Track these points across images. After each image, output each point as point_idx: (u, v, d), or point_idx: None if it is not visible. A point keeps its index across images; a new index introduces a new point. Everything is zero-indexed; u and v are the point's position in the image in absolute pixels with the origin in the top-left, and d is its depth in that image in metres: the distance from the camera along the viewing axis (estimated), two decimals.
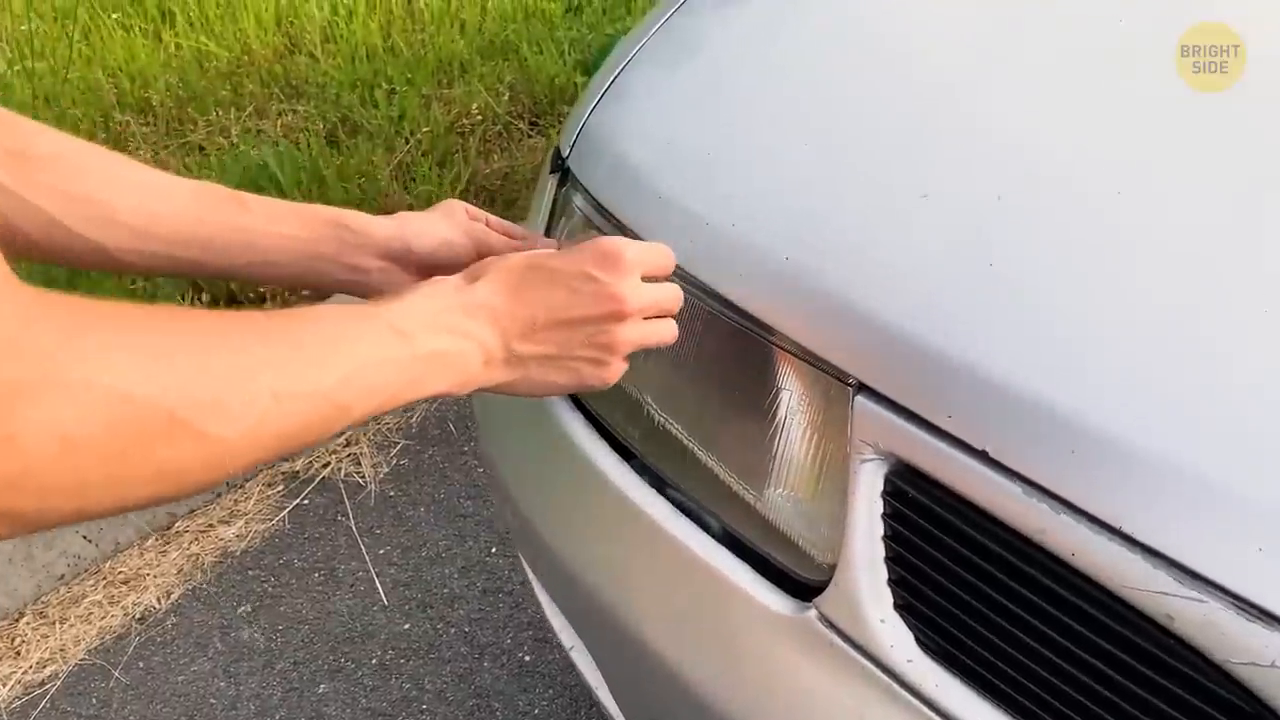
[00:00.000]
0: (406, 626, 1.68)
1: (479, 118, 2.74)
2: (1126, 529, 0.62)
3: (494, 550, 1.79)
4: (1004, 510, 0.67)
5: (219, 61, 3.00)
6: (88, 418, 0.43)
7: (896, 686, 0.72)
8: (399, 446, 2.00)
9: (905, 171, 0.82)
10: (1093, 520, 0.63)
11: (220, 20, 3.15)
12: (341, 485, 1.93)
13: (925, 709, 0.71)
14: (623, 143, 0.99)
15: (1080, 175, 0.78)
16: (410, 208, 2.38)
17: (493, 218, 0.92)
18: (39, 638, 1.67)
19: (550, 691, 1.55)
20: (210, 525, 1.85)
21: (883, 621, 0.73)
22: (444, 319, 0.64)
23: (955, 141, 0.84)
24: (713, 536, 0.85)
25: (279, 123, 2.72)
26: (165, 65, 2.96)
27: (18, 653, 1.65)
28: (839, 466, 0.77)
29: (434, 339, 0.63)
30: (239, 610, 1.72)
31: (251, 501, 1.89)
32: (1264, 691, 0.58)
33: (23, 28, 2.84)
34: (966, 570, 0.70)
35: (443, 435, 2.02)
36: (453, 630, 1.66)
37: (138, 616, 1.71)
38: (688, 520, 0.87)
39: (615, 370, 0.72)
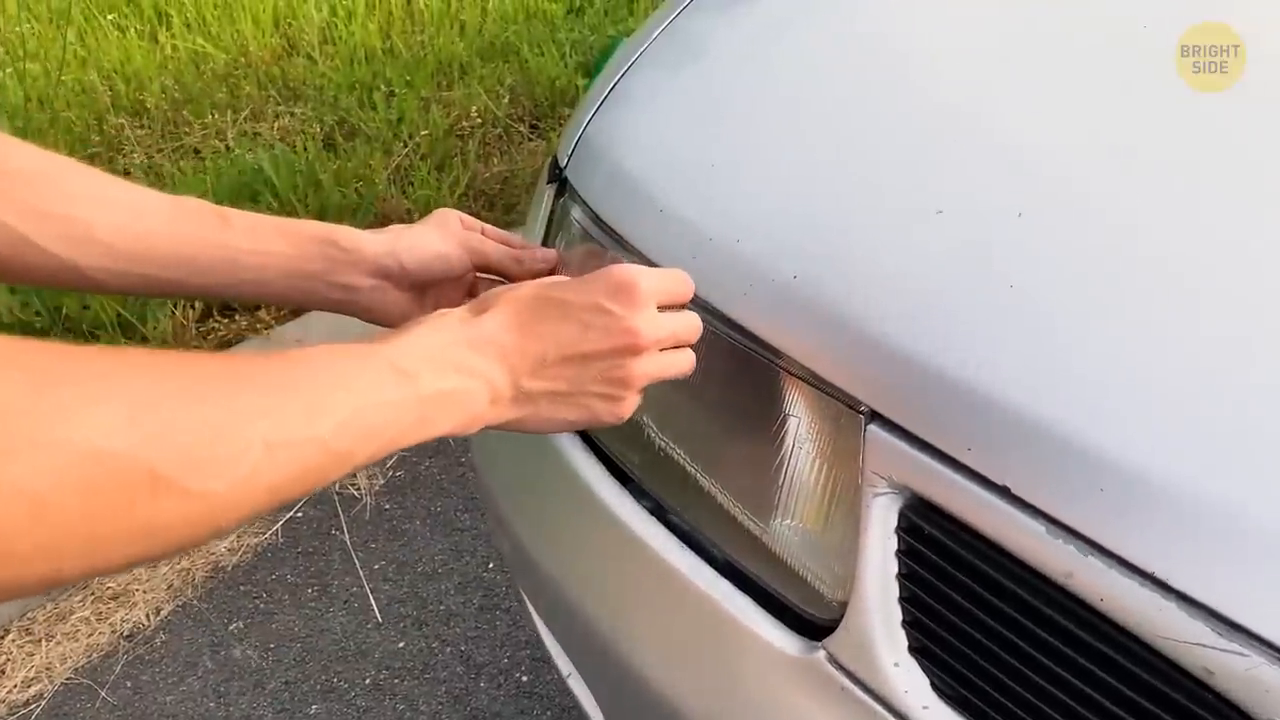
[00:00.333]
0: (401, 645, 1.64)
1: (478, 120, 2.69)
2: (1161, 574, 0.58)
3: (491, 565, 1.75)
4: (1027, 551, 0.63)
5: (215, 63, 2.96)
6: (61, 478, 0.40)
7: None
8: (395, 458, 1.96)
9: (919, 185, 0.78)
10: (1124, 564, 0.59)
11: (217, 21, 3.11)
12: (336, 498, 1.89)
13: None
14: (622, 152, 0.95)
15: (1103, 190, 0.74)
16: (408, 212, 2.35)
17: (488, 227, 0.88)
18: (24, 655, 1.63)
19: (548, 714, 1.51)
20: None
21: (896, 665, 0.69)
22: (449, 356, 0.60)
23: (969, 153, 0.80)
24: (716, 569, 0.80)
25: (276, 125, 2.68)
26: (161, 67, 2.92)
27: (2, 671, 1.61)
28: (850, 499, 0.73)
29: (438, 378, 0.59)
30: (230, 627, 1.68)
31: None
32: None
33: (16, 29, 2.80)
34: (986, 613, 0.65)
35: (439, 447, 1.98)
36: (448, 649, 1.62)
37: (126, 634, 1.67)
38: (690, 552, 0.82)
39: (629, 406, 0.68)
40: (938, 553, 0.67)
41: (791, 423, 0.76)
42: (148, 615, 1.69)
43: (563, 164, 1.01)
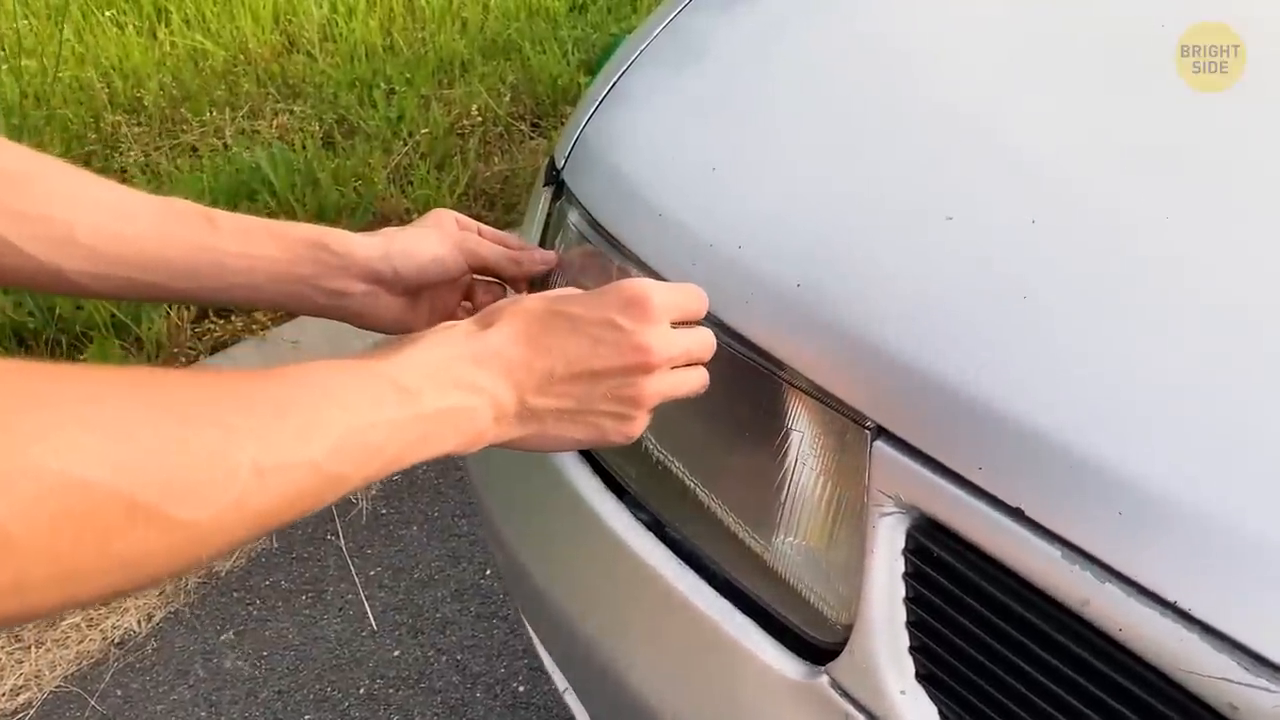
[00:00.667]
0: (396, 653, 1.61)
1: (479, 119, 2.67)
2: (1184, 605, 0.55)
3: (488, 572, 1.72)
4: (1041, 576, 0.60)
5: (214, 60, 2.93)
6: (31, 510, 0.37)
7: None
8: None
9: (927, 190, 0.75)
10: (1144, 592, 0.56)
11: (216, 18, 3.08)
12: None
13: None
14: (621, 154, 0.92)
15: (1115, 196, 0.71)
16: (407, 212, 2.32)
17: (484, 228, 0.85)
18: (13, 663, 1.60)
19: None
20: None
21: (903, 693, 0.66)
22: (452, 371, 0.57)
23: (979, 157, 0.77)
24: (716, 588, 0.77)
25: (274, 123, 2.65)
26: (159, 64, 2.90)
27: None
28: (855, 517, 0.70)
29: (441, 394, 0.56)
30: (222, 635, 1.65)
31: None
32: None
33: (12, 25, 2.78)
34: (997, 640, 0.62)
35: None
36: (444, 658, 1.59)
37: (117, 641, 1.64)
38: (689, 569, 0.79)
39: (639, 425, 0.65)
40: (947, 576, 0.64)
41: (794, 437, 0.73)
42: (139, 622, 1.67)
43: (560, 166, 0.98)
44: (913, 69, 0.87)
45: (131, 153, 2.51)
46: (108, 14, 3.07)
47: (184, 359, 1.95)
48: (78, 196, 0.68)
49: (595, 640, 0.87)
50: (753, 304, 0.74)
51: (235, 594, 1.71)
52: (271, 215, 2.26)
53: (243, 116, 2.68)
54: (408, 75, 2.83)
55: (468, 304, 0.86)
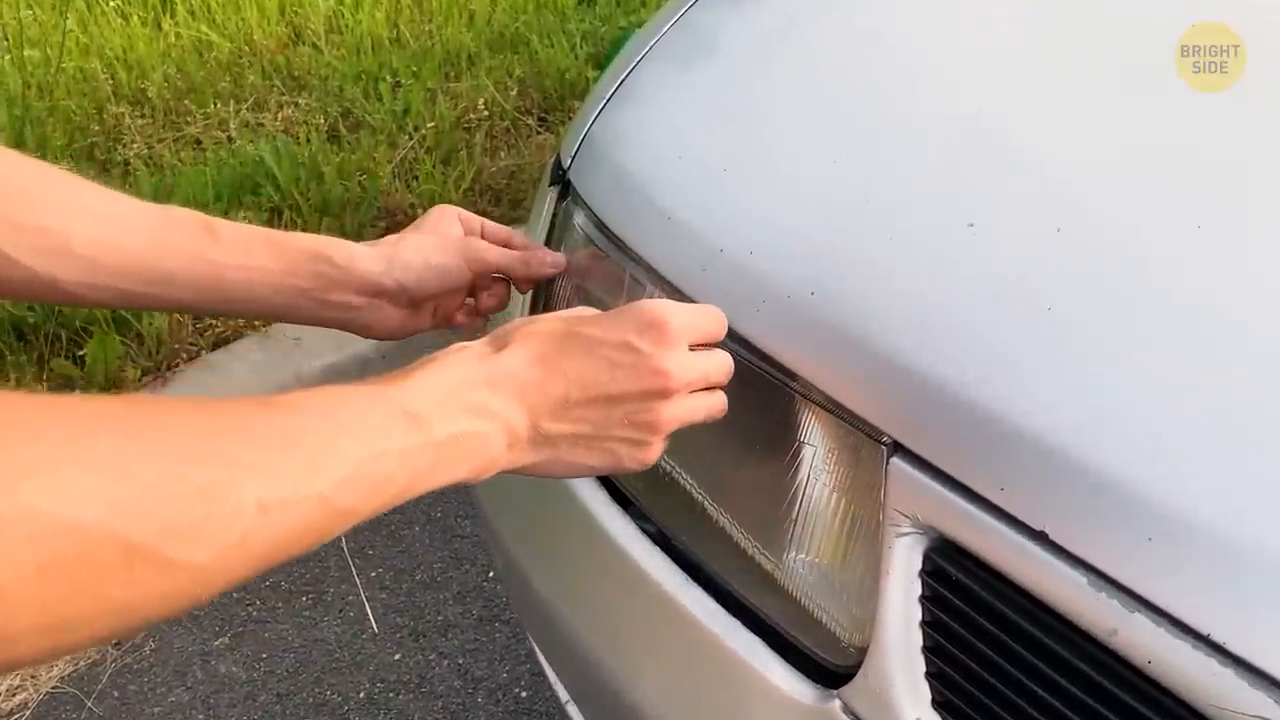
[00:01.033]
0: (397, 657, 1.59)
1: (486, 113, 2.64)
2: (1217, 637, 0.52)
3: (491, 574, 1.70)
4: (1066, 603, 0.57)
5: (219, 52, 2.91)
6: (19, 555, 0.35)
7: None
8: None
9: (947, 195, 0.72)
10: (1174, 623, 0.53)
11: (222, 9, 3.05)
12: None
13: None
14: (628, 154, 0.89)
15: (1141, 203, 0.68)
16: (412, 207, 2.29)
17: (489, 224, 0.83)
18: None
19: None
20: None
21: None
22: (464, 396, 0.55)
23: (1001, 161, 0.74)
24: (724, 605, 0.75)
25: (279, 116, 2.63)
26: (164, 55, 2.87)
27: None
28: (870, 536, 0.67)
29: (452, 420, 0.54)
30: (221, 637, 1.63)
31: None
32: None
33: (16, 15, 2.75)
34: (1018, 669, 0.59)
35: None
36: (446, 662, 1.57)
37: (114, 641, 1.62)
38: (696, 585, 0.77)
39: (656, 451, 0.63)
40: (966, 601, 0.61)
41: (807, 451, 0.70)
42: None
43: (566, 165, 0.95)
44: (929, 69, 0.84)
45: (135, 145, 2.48)
46: (112, 4, 3.04)
47: (185, 355, 1.93)
48: (74, 207, 0.66)
49: (598, 654, 0.85)
50: (764, 312, 0.72)
51: (234, 595, 1.69)
52: (275, 209, 2.24)
53: (247, 109, 2.65)
54: (414, 68, 2.81)
55: (471, 301, 0.84)
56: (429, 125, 2.54)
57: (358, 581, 1.70)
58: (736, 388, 0.72)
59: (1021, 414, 0.60)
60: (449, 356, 0.58)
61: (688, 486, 0.79)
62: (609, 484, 0.85)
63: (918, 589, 0.64)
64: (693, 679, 0.76)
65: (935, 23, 0.90)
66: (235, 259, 0.70)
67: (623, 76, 0.97)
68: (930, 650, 0.63)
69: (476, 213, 0.84)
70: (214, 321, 1.99)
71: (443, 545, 1.76)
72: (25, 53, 2.67)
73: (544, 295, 0.93)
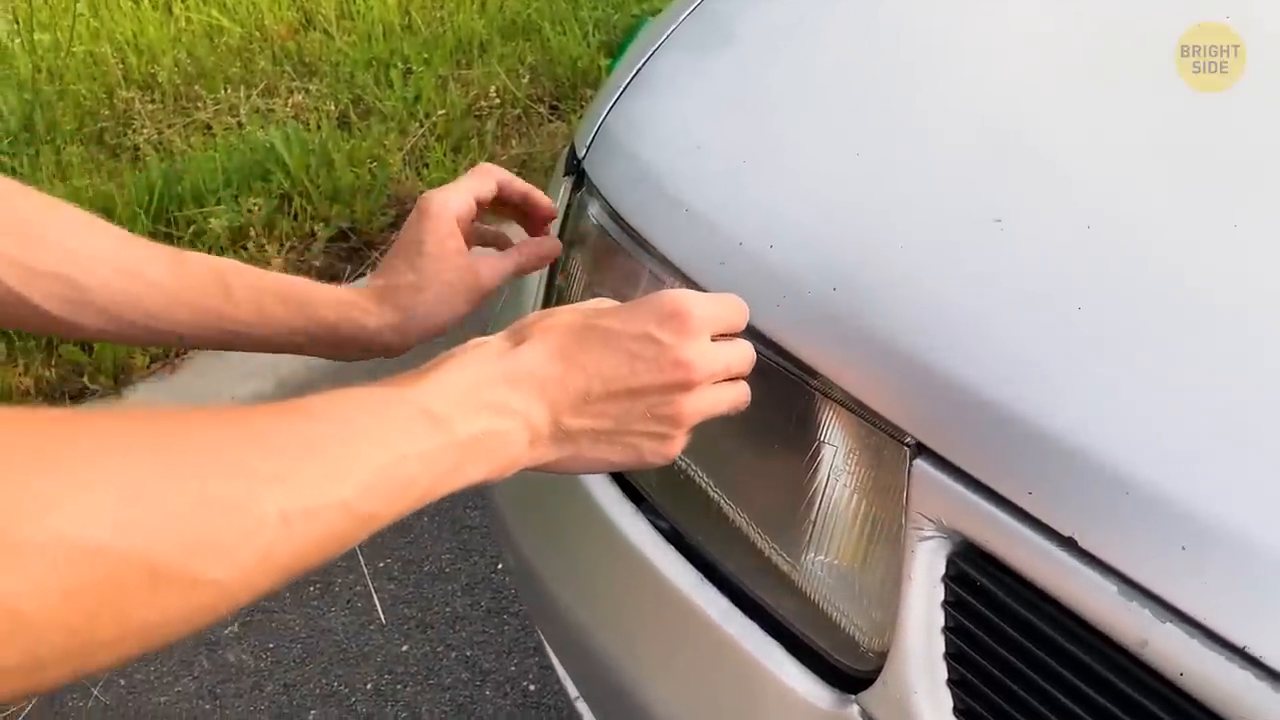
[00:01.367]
0: (405, 648, 1.58)
1: (497, 101, 2.62)
2: (1254, 650, 0.50)
3: (500, 566, 1.69)
4: (1095, 612, 0.55)
5: (230, 37, 2.89)
6: (44, 584, 0.35)
7: None
8: None
9: (974, 190, 0.70)
10: (1208, 634, 0.52)
11: None
12: None
13: None
14: (645, 145, 0.87)
15: (1179, 202, 0.67)
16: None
17: (505, 184, 0.81)
18: None
19: None
20: None
21: None
22: (483, 394, 0.54)
23: (1030, 156, 0.72)
24: (739, 606, 0.73)
25: (289, 102, 2.61)
26: (174, 40, 2.86)
27: None
28: (892, 538, 0.65)
29: (472, 420, 0.53)
30: (228, 626, 1.62)
31: None
32: None
33: None
34: (1044, 677, 0.58)
35: None
36: (453, 654, 1.56)
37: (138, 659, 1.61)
38: (710, 584, 0.75)
39: (679, 445, 0.61)
40: (990, 607, 0.60)
41: (827, 451, 0.69)
42: None
43: (581, 155, 0.94)
44: (950, 62, 0.82)
45: (145, 130, 2.47)
46: None
47: None
48: (91, 256, 0.67)
49: (608, 653, 0.83)
50: (784, 307, 0.70)
51: None
52: (285, 196, 2.22)
53: (258, 95, 2.64)
54: (425, 55, 2.79)
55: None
56: (440, 112, 2.53)
57: (365, 572, 1.69)
58: (754, 384, 0.71)
59: (1050, 416, 0.58)
60: (467, 354, 0.56)
61: (703, 484, 0.78)
62: (621, 480, 0.84)
63: (940, 594, 0.62)
64: (706, 680, 0.75)
65: (955, 16, 0.88)
66: (250, 317, 0.71)
67: (639, 66, 0.95)
68: (953, 657, 0.62)
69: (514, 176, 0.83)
70: None
71: (451, 536, 1.75)
72: (36, 36, 2.66)
73: (556, 289, 0.91)
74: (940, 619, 0.62)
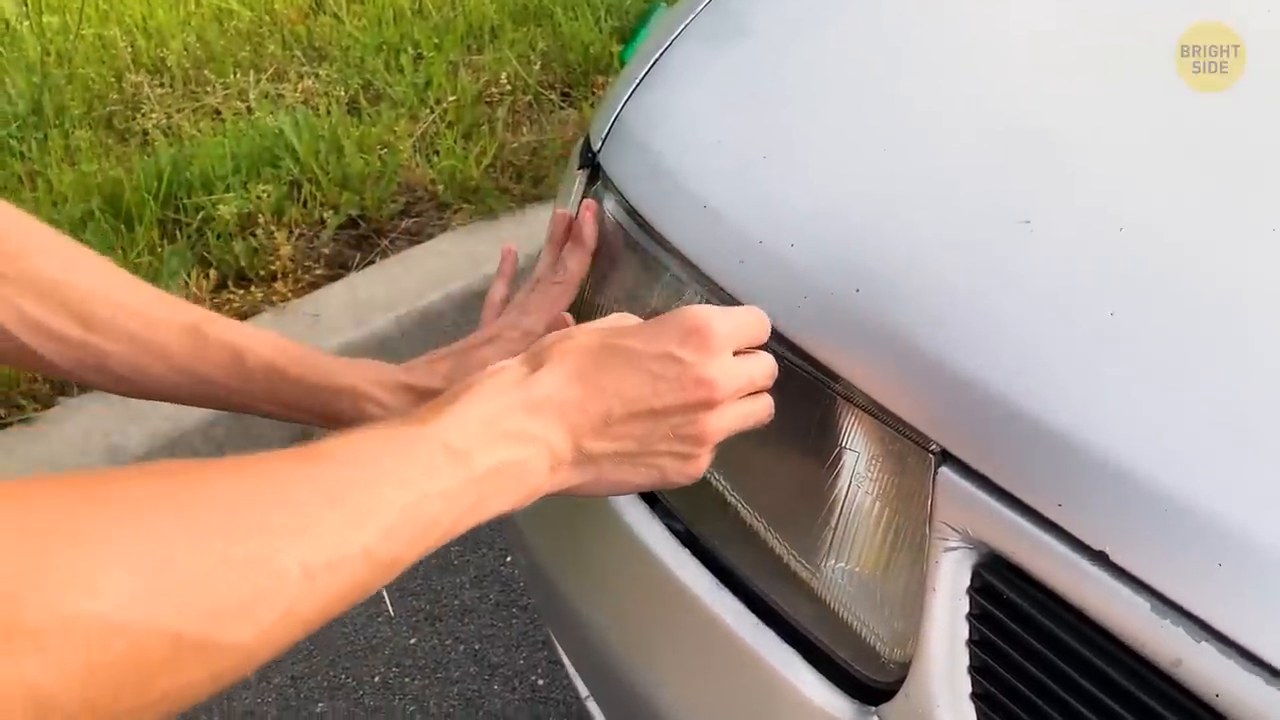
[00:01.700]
0: (413, 641, 1.57)
1: (508, 87, 2.59)
2: None
3: (509, 559, 1.68)
4: (1126, 629, 0.54)
5: (240, 20, 2.87)
6: (66, 664, 0.34)
7: None
8: None
9: (1002, 189, 0.69)
10: (1245, 655, 0.50)
11: None
12: None
13: None
14: (662, 138, 0.85)
15: (1215, 204, 0.65)
16: (432, 183, 2.26)
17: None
18: None
19: None
20: None
21: None
22: (502, 423, 0.53)
23: (1060, 154, 0.70)
24: (757, 614, 0.72)
25: (299, 87, 2.59)
26: (183, 23, 2.84)
27: None
28: (915, 547, 0.64)
29: (491, 451, 0.52)
30: None
31: None
32: None
33: None
34: (1072, 694, 0.56)
35: None
36: (462, 647, 1.55)
37: None
38: (725, 589, 0.74)
39: (703, 464, 0.61)
40: (1017, 620, 0.58)
41: (848, 457, 0.67)
42: None
43: (596, 148, 0.92)
44: (965, 58, 0.80)
45: (153, 114, 2.45)
46: None
47: None
48: (108, 322, 0.68)
49: (620, 655, 0.82)
50: (805, 309, 0.68)
51: None
52: (294, 182, 2.20)
53: (267, 79, 2.62)
54: (436, 40, 2.76)
55: None
56: (450, 99, 2.50)
57: None
58: (774, 388, 0.69)
59: (1082, 426, 0.56)
60: (486, 383, 0.55)
61: (720, 487, 0.76)
62: None
63: (965, 606, 0.61)
64: (721, 687, 0.73)
65: (963, 12, 0.87)
66: (263, 397, 0.72)
67: (655, 57, 0.93)
68: (977, 670, 0.60)
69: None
70: (231, 295, 1.96)
71: None
72: (44, 19, 2.64)
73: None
74: (964, 631, 0.61)
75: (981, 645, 0.60)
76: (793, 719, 0.68)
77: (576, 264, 0.81)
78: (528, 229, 2.18)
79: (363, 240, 2.16)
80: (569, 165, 0.99)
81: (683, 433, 0.58)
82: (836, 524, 0.68)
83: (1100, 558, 0.54)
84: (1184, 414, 0.55)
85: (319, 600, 0.43)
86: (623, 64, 2.89)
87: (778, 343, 0.68)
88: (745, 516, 0.74)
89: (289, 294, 1.98)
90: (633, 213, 0.83)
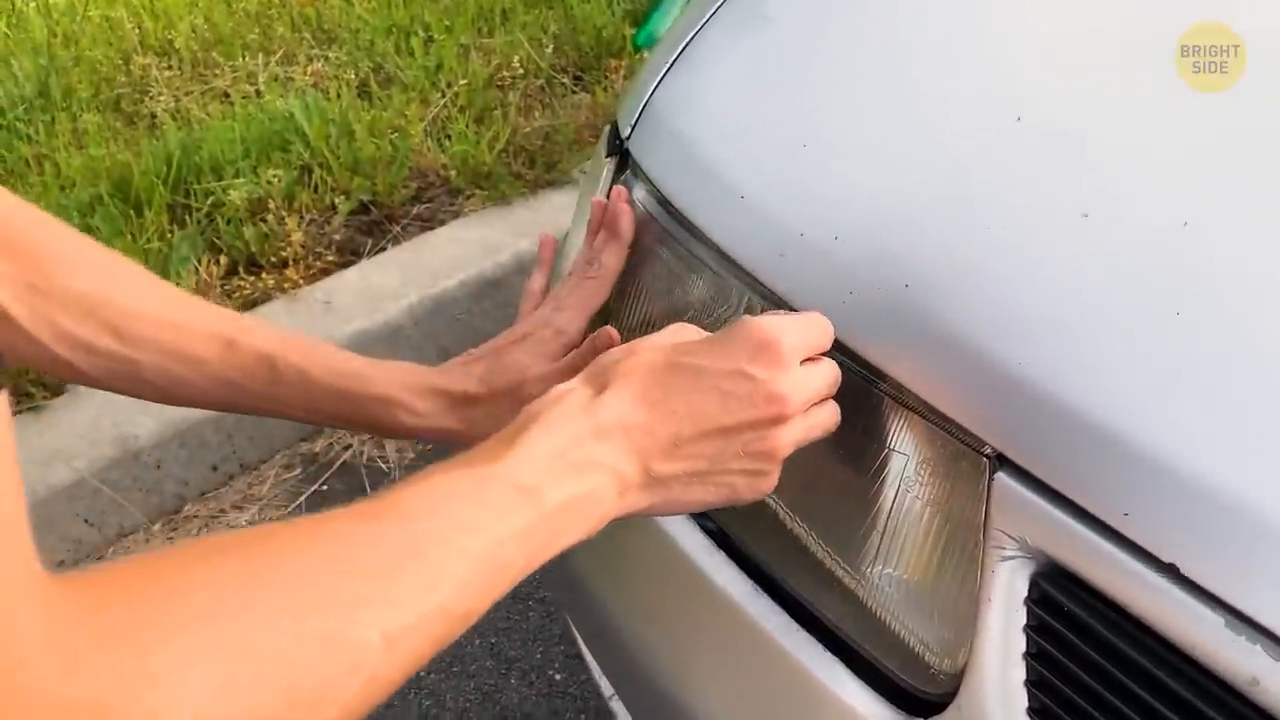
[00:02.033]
0: None
1: (520, 70, 2.56)
2: None
3: None
4: (1197, 645, 0.51)
5: (248, 2, 2.84)
6: None
7: None
8: None
9: (1059, 179, 0.66)
10: None
11: None
12: (364, 470, 1.79)
13: None
14: (695, 125, 0.82)
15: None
16: (444, 168, 2.23)
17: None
18: None
19: (583, 717, 1.42)
20: (222, 510, 1.72)
21: None
22: (572, 455, 0.52)
23: (1119, 141, 0.67)
24: (798, 620, 0.69)
25: (309, 70, 2.56)
26: (191, 4, 2.80)
27: None
28: (967, 556, 0.61)
29: (561, 484, 0.51)
30: None
31: (267, 485, 1.76)
32: None
33: None
34: (1137, 712, 0.54)
35: None
36: (478, 641, 1.53)
37: None
38: (765, 595, 0.71)
39: (774, 479, 0.59)
40: (1078, 634, 0.56)
41: (896, 460, 0.65)
42: None
43: (624, 135, 0.89)
44: (1045, 37, 0.77)
45: (162, 97, 2.42)
46: None
47: None
48: (150, 341, 0.68)
49: (654, 661, 0.80)
50: (850, 305, 0.66)
51: None
52: (305, 168, 2.17)
53: (276, 62, 2.58)
54: (447, 22, 2.73)
55: None
56: (462, 82, 2.47)
57: None
58: None
59: (1149, 430, 0.54)
60: (552, 412, 0.54)
61: None
62: None
63: (1022, 618, 0.58)
64: (759, 696, 0.71)
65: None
66: (295, 403, 0.71)
67: (686, 40, 0.90)
68: (1034, 684, 0.58)
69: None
70: (242, 282, 1.94)
71: None
72: (50, 0, 2.61)
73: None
74: (1021, 644, 0.58)
75: (1039, 658, 0.58)
76: None
77: (612, 258, 0.78)
78: (541, 215, 2.15)
79: (374, 226, 2.13)
80: (595, 153, 0.96)
81: (754, 449, 0.57)
82: (884, 529, 0.65)
83: (1170, 570, 0.52)
84: (1258, 419, 0.53)
85: (399, 665, 0.43)
86: (635, 48, 2.85)
87: None
88: (784, 519, 0.72)
89: (300, 281, 1.95)
90: (664, 202, 0.80)
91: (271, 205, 2.04)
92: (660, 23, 2.54)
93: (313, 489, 1.76)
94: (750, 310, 0.71)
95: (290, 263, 1.97)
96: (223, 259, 1.96)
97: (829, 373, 0.61)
